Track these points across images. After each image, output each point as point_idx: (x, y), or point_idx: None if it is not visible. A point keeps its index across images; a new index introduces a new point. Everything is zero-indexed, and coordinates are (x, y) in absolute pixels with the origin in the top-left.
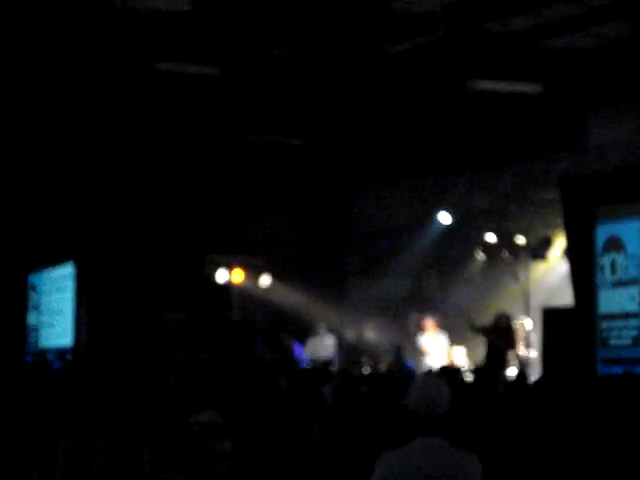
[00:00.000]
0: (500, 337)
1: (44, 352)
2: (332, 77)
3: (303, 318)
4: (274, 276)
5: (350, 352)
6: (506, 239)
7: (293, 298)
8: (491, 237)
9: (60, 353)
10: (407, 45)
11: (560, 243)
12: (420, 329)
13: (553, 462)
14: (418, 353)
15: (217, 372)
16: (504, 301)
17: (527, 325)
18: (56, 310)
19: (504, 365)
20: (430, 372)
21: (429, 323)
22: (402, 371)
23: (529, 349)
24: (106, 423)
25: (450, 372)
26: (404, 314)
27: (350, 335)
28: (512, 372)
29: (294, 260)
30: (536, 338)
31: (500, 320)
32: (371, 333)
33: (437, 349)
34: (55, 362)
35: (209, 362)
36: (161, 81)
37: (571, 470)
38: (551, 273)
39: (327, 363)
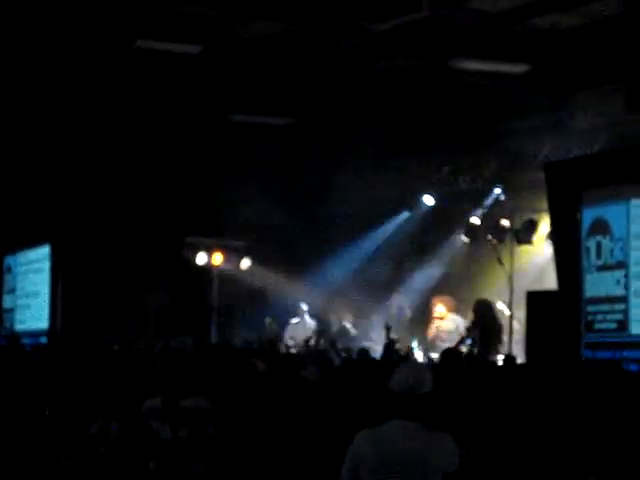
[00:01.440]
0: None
1: (16, 335)
2: (315, 56)
3: (284, 301)
4: (255, 259)
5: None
6: (490, 222)
7: (274, 281)
8: (475, 220)
9: (34, 336)
10: (391, 24)
11: (545, 226)
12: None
13: (538, 445)
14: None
15: (198, 356)
16: (488, 285)
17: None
18: (32, 292)
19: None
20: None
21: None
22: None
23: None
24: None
25: (453, 355)
26: (385, 297)
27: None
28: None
29: (275, 243)
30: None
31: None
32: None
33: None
34: (29, 345)
35: (189, 346)
36: (140, 60)
37: (555, 451)
38: (535, 257)
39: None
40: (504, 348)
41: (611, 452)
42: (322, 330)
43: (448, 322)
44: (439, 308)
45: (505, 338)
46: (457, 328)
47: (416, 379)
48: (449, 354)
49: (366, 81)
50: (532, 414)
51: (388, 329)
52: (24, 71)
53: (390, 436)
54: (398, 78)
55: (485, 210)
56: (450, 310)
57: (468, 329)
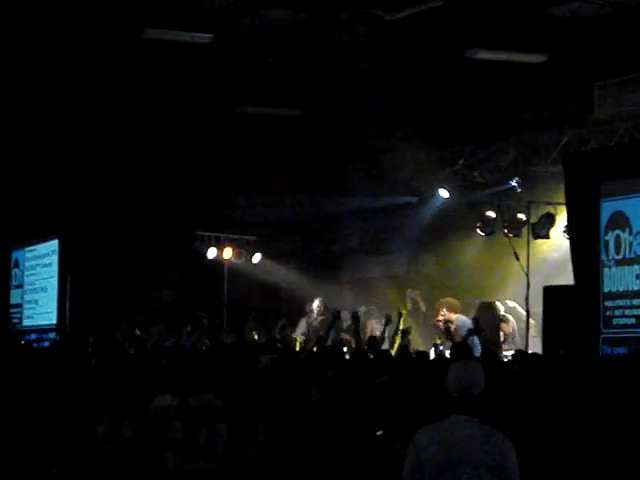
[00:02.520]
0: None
1: (21, 332)
2: (328, 46)
3: (296, 297)
4: (267, 254)
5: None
6: (506, 215)
7: (286, 276)
8: (491, 213)
9: (43, 332)
10: (407, 13)
11: (563, 220)
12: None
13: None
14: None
15: (207, 353)
16: (503, 279)
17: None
18: (40, 287)
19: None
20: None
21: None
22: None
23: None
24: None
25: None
26: (401, 292)
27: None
28: None
29: (288, 237)
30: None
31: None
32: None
33: None
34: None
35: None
36: (148, 50)
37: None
38: (553, 251)
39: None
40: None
41: (627, 447)
42: (330, 326)
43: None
44: (443, 312)
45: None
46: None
47: (471, 381)
48: (459, 349)
49: (379, 72)
50: (549, 409)
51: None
52: (31, 64)
53: (452, 431)
54: (413, 69)
55: (501, 203)
56: (456, 312)
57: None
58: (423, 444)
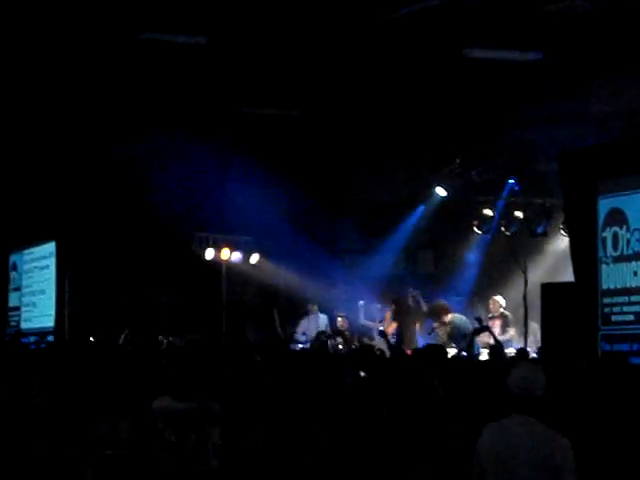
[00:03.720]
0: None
1: (19, 333)
2: (326, 46)
3: (295, 297)
4: (265, 254)
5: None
6: (503, 213)
7: (284, 277)
8: (488, 212)
9: (41, 335)
10: (404, 12)
11: (560, 217)
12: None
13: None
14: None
15: (207, 354)
16: (501, 277)
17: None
18: (38, 290)
19: None
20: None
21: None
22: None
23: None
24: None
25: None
26: (400, 293)
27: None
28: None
29: (286, 238)
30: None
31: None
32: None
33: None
34: (35, 344)
35: (197, 343)
36: (145, 52)
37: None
38: (550, 248)
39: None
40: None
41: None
42: (337, 330)
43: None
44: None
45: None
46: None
47: (536, 382)
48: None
49: (377, 71)
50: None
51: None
52: (27, 66)
53: (512, 430)
54: (409, 68)
55: (498, 201)
56: (446, 313)
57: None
58: (486, 442)
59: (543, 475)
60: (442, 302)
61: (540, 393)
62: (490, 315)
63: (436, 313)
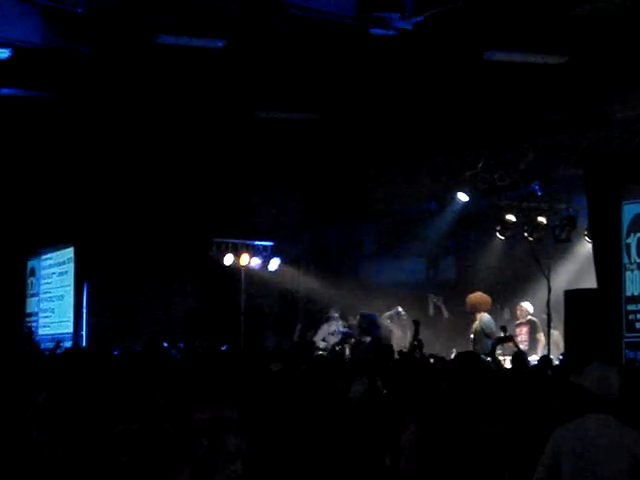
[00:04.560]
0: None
1: (31, 333)
2: (346, 48)
3: (315, 303)
4: (284, 260)
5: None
6: (526, 219)
7: (304, 283)
8: (511, 217)
9: (58, 340)
10: (426, 15)
11: (583, 223)
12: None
13: None
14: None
15: (222, 362)
16: (524, 284)
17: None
18: (56, 296)
19: None
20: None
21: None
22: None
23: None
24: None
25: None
26: (421, 298)
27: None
28: None
29: (306, 243)
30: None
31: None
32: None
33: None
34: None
35: (209, 350)
36: (162, 56)
37: None
38: (574, 254)
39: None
40: None
41: None
42: (349, 334)
43: (476, 322)
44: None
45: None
46: (482, 327)
47: (615, 383)
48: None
49: (399, 75)
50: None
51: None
52: (47, 72)
53: (591, 429)
54: (431, 71)
55: (521, 206)
56: (477, 309)
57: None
58: (563, 440)
59: (627, 474)
60: (485, 296)
61: (617, 393)
62: (518, 322)
63: (474, 305)
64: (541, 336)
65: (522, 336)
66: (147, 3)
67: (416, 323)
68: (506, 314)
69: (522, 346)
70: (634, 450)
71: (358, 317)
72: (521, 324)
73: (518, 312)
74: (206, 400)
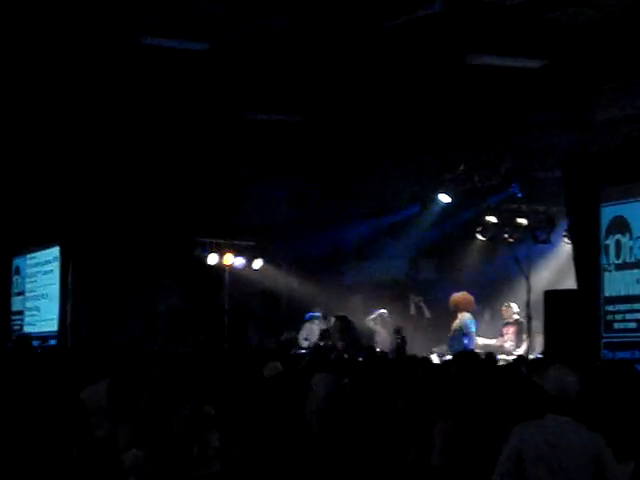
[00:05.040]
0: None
1: (25, 337)
2: (327, 52)
3: (298, 303)
4: (267, 260)
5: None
6: (507, 220)
7: (287, 282)
8: (491, 218)
9: (44, 338)
10: (405, 19)
11: (563, 224)
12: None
13: None
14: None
15: (204, 361)
16: (504, 284)
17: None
18: (41, 294)
19: None
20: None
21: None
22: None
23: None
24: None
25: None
26: (403, 298)
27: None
28: None
29: (289, 243)
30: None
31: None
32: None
33: None
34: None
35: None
36: (146, 57)
37: None
38: (553, 255)
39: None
40: None
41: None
42: (326, 330)
43: (456, 320)
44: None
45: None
46: (461, 326)
47: (574, 385)
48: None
49: (381, 77)
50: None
51: (399, 331)
52: (30, 71)
53: (554, 431)
54: (412, 74)
55: (501, 208)
56: (459, 308)
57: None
58: (526, 439)
59: (587, 468)
60: (469, 296)
61: (575, 396)
62: (504, 322)
63: (457, 304)
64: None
65: (509, 336)
66: (132, 5)
67: (398, 331)
68: (487, 315)
69: (509, 346)
70: (596, 451)
71: (334, 320)
72: (508, 324)
73: (505, 312)
74: (189, 396)
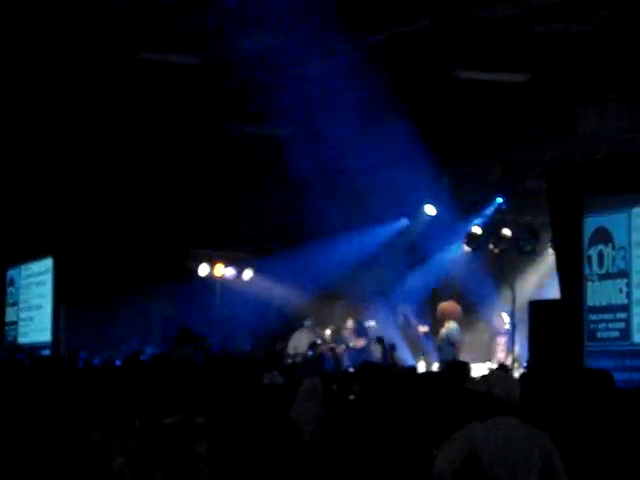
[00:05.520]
0: None
1: (17, 347)
2: (313, 68)
3: (288, 313)
4: (258, 270)
5: None
6: (491, 231)
7: (278, 292)
8: (476, 229)
9: (33, 349)
10: (391, 34)
11: (547, 235)
12: None
13: None
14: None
15: (197, 369)
16: (490, 295)
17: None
18: (34, 305)
19: None
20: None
21: None
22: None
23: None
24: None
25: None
26: (391, 307)
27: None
28: None
29: (279, 254)
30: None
31: None
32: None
33: None
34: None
35: (189, 358)
36: (141, 71)
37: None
38: (538, 266)
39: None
40: None
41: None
42: (314, 342)
43: (443, 329)
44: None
45: None
46: (447, 335)
47: (517, 388)
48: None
49: (367, 90)
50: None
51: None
52: (26, 84)
53: (505, 431)
54: (401, 87)
55: (486, 219)
56: (446, 317)
57: None
58: (478, 439)
59: (537, 464)
60: (456, 305)
61: (517, 398)
62: (496, 332)
63: (444, 313)
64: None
65: (501, 346)
66: (127, 20)
67: (380, 340)
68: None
69: (501, 356)
70: (544, 448)
71: (352, 322)
72: (500, 334)
73: (497, 322)
74: (177, 405)
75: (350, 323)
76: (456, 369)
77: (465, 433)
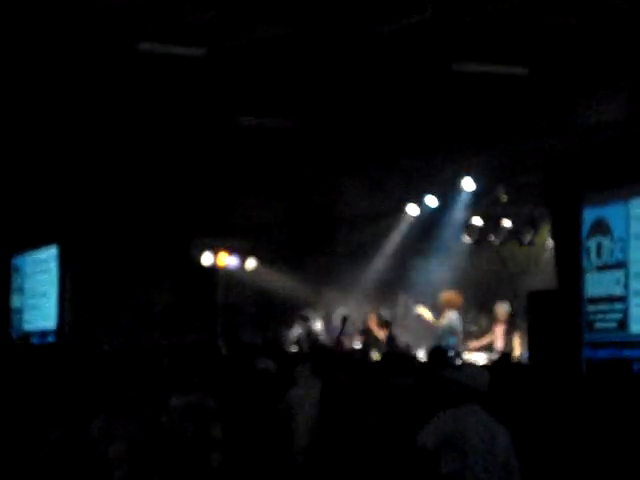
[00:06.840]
0: None
1: (28, 335)
2: (320, 59)
3: (290, 302)
4: (261, 260)
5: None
6: (492, 222)
7: (280, 282)
8: (477, 220)
9: (43, 336)
10: (395, 26)
11: (547, 226)
12: None
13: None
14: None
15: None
16: (490, 285)
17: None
18: (40, 292)
19: None
20: None
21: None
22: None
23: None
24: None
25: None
26: (391, 297)
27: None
28: None
29: (282, 243)
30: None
31: None
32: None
33: None
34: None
35: (197, 343)
36: (144, 63)
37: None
38: (538, 257)
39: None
40: None
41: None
42: (308, 333)
43: (442, 319)
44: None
45: None
46: (448, 324)
47: (486, 378)
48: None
49: (369, 82)
50: (532, 413)
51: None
52: (29, 74)
53: (474, 416)
54: (400, 80)
55: (487, 210)
56: (447, 306)
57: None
58: (468, 424)
59: (508, 451)
60: (458, 294)
61: (485, 388)
62: (495, 320)
63: (445, 302)
64: (516, 336)
65: (499, 334)
66: (129, 11)
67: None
68: (477, 316)
69: (499, 345)
70: (500, 433)
71: (373, 315)
72: (498, 322)
73: (498, 312)
74: (192, 386)
75: (372, 316)
76: (436, 355)
77: (445, 419)
